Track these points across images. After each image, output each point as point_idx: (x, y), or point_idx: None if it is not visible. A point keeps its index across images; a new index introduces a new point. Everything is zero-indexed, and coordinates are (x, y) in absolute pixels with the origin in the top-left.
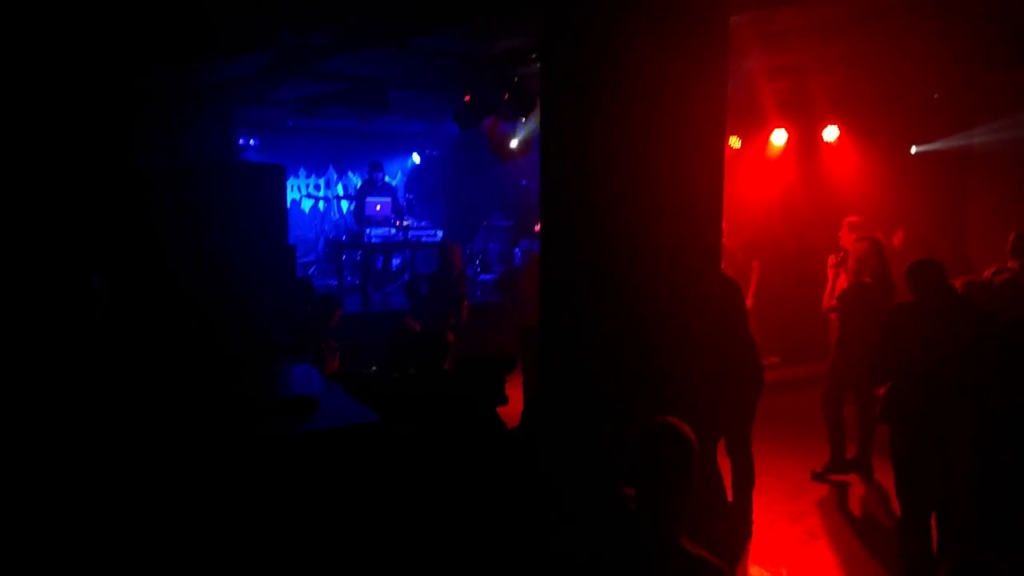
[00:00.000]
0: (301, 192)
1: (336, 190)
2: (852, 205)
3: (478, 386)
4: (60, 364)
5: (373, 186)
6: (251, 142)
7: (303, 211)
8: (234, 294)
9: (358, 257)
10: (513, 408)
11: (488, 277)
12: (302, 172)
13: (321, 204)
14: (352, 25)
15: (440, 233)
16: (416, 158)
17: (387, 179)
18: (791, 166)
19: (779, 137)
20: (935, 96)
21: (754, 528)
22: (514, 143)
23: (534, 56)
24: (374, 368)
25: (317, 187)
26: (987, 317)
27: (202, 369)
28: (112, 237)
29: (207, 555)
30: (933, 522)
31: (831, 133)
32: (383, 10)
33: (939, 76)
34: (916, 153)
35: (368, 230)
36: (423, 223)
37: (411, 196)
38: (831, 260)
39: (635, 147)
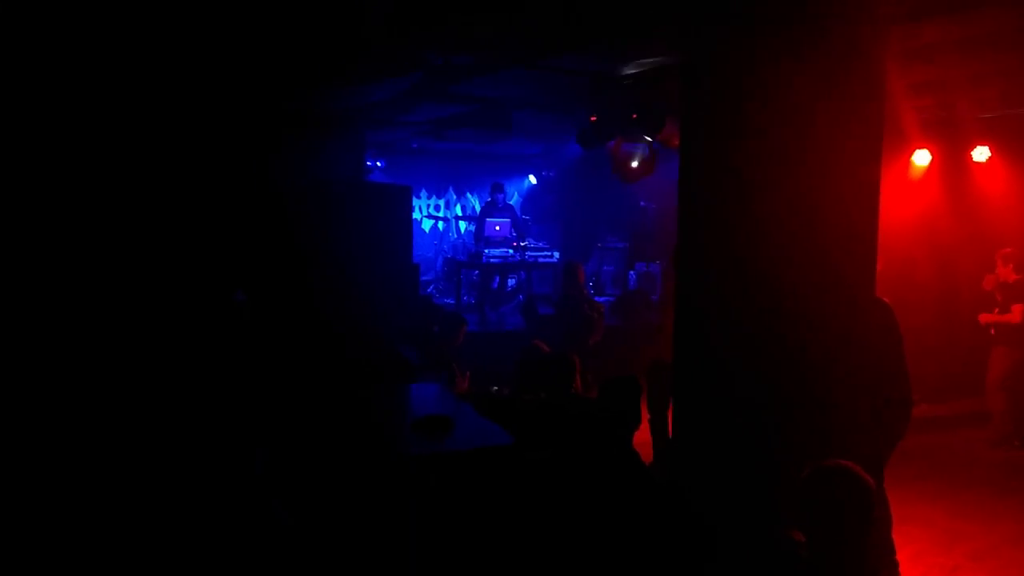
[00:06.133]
0: (422, 212)
1: (455, 210)
2: (1004, 233)
3: (620, 409)
4: (210, 375)
5: (494, 207)
6: (378, 163)
7: (423, 231)
8: (364, 310)
9: (475, 276)
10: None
11: (602, 300)
12: (423, 192)
13: (440, 224)
14: (496, 45)
15: (557, 254)
16: (532, 179)
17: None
18: (934, 189)
19: (921, 158)
20: None
21: None
22: (635, 163)
23: (663, 76)
24: (495, 388)
25: (437, 208)
26: None
27: (339, 386)
28: (253, 253)
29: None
30: None
31: (981, 154)
32: (528, 30)
33: None
34: None
35: (486, 250)
36: (539, 244)
37: (527, 217)
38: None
39: (782, 170)
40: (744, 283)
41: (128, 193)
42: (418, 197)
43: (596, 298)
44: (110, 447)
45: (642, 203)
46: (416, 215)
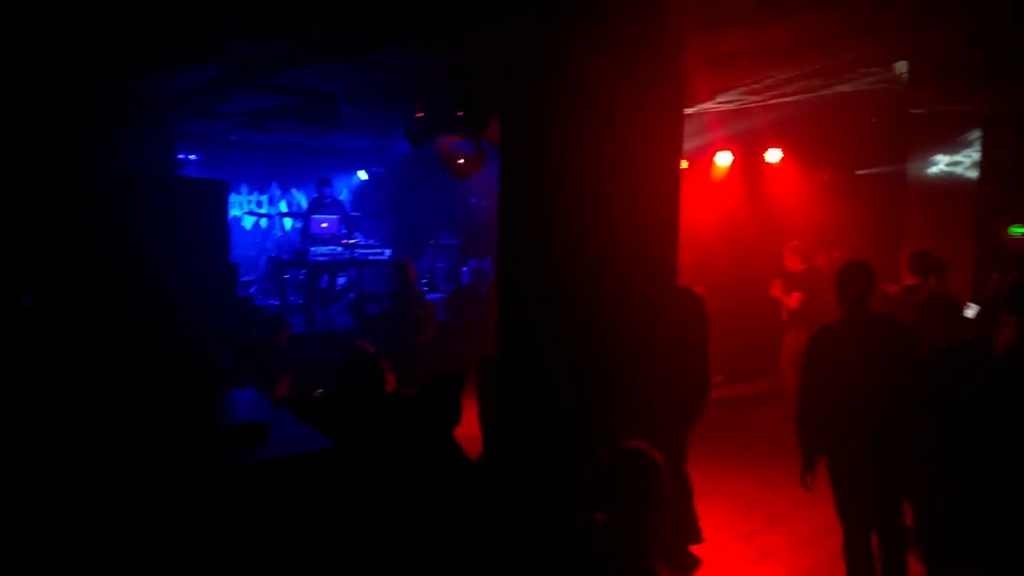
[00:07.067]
0: (242, 209)
1: (279, 207)
2: (791, 226)
3: (440, 407)
4: None
5: (321, 203)
6: (191, 156)
7: (244, 229)
8: (174, 315)
9: (302, 276)
10: (465, 431)
11: (435, 297)
12: (244, 188)
13: (263, 221)
14: (310, 37)
15: (388, 252)
16: (363, 175)
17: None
18: (735, 188)
19: (724, 159)
20: (872, 121)
21: (707, 548)
22: (463, 160)
23: (487, 73)
24: (320, 391)
25: (260, 204)
26: (909, 333)
27: (142, 395)
28: (45, 254)
29: None
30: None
31: (774, 155)
32: (343, 23)
33: (877, 103)
34: (858, 176)
35: (313, 248)
36: (370, 241)
37: (357, 213)
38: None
39: (592, 165)
40: (555, 276)
41: None
42: (238, 193)
43: (430, 295)
44: None
45: (473, 200)
46: (236, 212)
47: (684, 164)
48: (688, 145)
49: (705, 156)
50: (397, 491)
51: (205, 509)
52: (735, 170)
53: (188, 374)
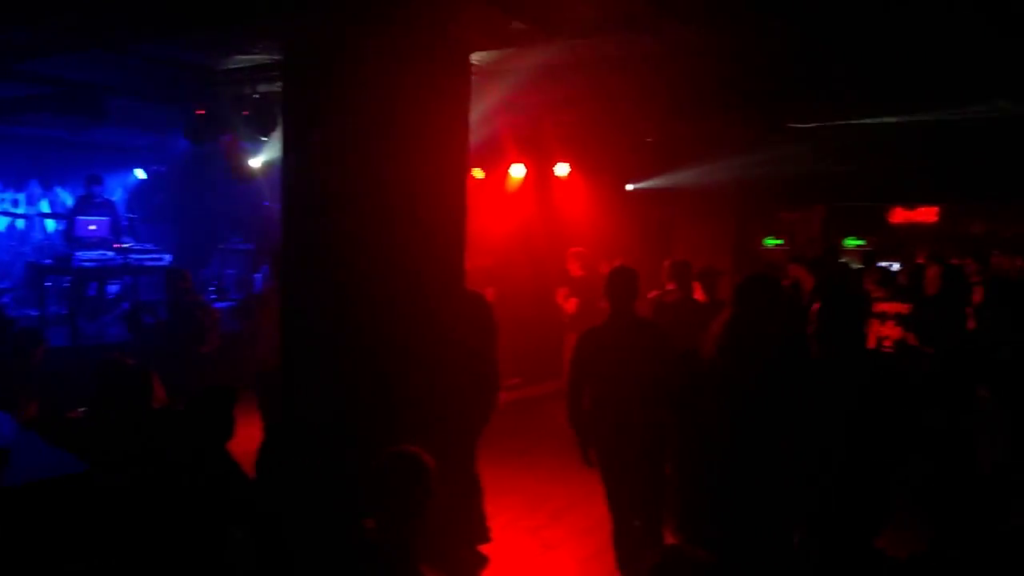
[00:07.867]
0: None
1: (40, 207)
2: (579, 236)
3: (210, 421)
4: None
5: (90, 202)
6: None
7: None
8: None
9: (65, 284)
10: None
11: (224, 305)
12: None
13: (20, 222)
14: (57, 25)
15: (168, 257)
16: (140, 174)
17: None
18: (528, 198)
19: (517, 171)
20: (647, 140)
21: (494, 546)
22: (255, 163)
23: (276, 73)
24: (82, 410)
25: (15, 203)
26: (663, 335)
27: None
28: None
29: None
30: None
31: (562, 169)
32: (94, 12)
33: (650, 123)
34: (631, 190)
35: (78, 253)
36: (147, 246)
37: (133, 216)
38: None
39: (378, 171)
40: (336, 279)
41: None
42: None
43: (218, 303)
44: None
45: (267, 203)
46: None
47: (480, 174)
48: (484, 157)
49: (501, 167)
50: (158, 513)
51: None
52: (528, 181)
53: None
